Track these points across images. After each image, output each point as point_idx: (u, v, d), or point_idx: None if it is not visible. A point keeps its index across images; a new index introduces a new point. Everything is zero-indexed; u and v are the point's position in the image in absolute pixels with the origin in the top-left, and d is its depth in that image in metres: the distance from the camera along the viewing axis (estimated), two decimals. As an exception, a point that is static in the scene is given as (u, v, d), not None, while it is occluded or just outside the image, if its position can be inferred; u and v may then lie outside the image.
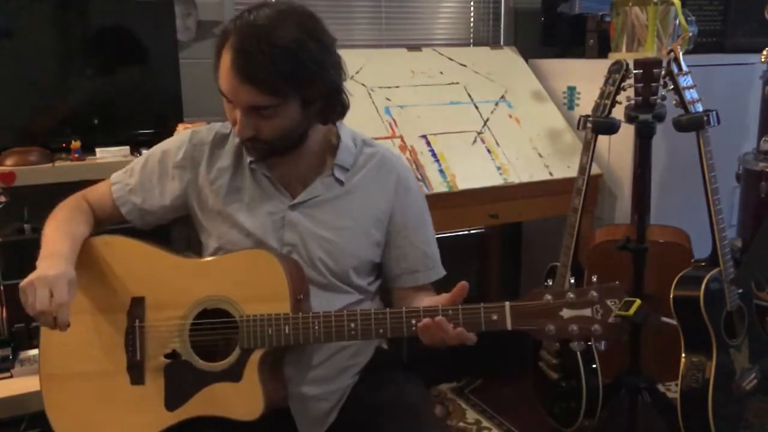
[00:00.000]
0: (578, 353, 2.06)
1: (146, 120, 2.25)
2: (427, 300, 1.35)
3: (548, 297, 1.18)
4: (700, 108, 1.91)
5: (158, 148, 1.46)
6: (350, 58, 2.48)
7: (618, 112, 2.02)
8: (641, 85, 1.96)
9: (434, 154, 2.34)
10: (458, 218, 2.33)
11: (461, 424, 2.41)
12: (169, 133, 2.09)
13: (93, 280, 1.34)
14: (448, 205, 2.23)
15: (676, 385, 1.97)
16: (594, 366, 2.07)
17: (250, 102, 1.23)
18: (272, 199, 1.38)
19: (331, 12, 2.78)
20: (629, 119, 2.01)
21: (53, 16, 2.12)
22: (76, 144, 2.04)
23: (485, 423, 2.42)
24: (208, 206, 1.40)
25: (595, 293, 1.16)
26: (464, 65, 2.70)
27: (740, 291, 1.96)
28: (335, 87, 1.30)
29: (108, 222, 1.47)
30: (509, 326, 1.19)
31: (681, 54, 1.90)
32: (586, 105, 2.45)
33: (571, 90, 2.72)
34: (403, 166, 1.47)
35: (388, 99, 2.45)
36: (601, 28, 2.69)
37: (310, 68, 1.23)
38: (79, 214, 1.41)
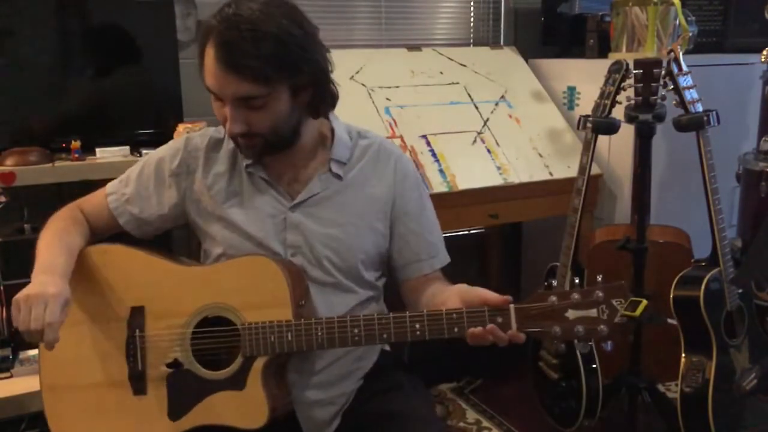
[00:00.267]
0: (578, 353, 2.06)
1: (146, 120, 2.25)
2: (454, 291, 1.31)
3: (553, 298, 1.16)
4: (700, 108, 1.91)
5: (153, 157, 1.43)
6: (350, 58, 2.53)
7: (618, 112, 2.01)
8: (641, 85, 1.96)
9: (434, 154, 2.34)
10: (458, 218, 2.33)
11: (461, 424, 2.41)
12: (169, 132, 2.09)
13: (92, 291, 1.33)
14: (448, 205, 2.23)
15: (676, 385, 1.97)
16: (594, 366, 2.07)
17: (237, 93, 1.21)
18: (271, 202, 1.36)
19: (331, 12, 2.78)
20: (629, 119, 2.01)
21: (53, 16, 2.12)
22: (76, 144, 2.04)
23: (485, 423, 2.42)
24: (207, 212, 1.38)
25: (600, 293, 1.15)
26: (464, 65, 2.70)
27: (740, 291, 1.96)
28: (323, 75, 1.28)
29: (104, 232, 1.45)
30: (514, 328, 1.17)
31: (681, 54, 1.90)
32: (586, 105, 2.45)
33: (571, 90, 2.72)
34: (400, 154, 1.45)
35: (388, 99, 2.45)
36: (601, 28, 2.69)
37: (295, 53, 1.21)
38: (74, 226, 1.39)
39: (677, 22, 2.50)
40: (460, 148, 2.40)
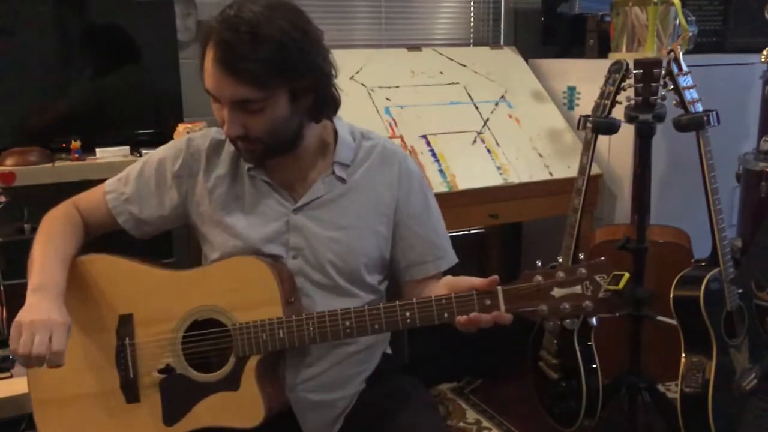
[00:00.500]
0: (578, 353, 2.06)
1: (146, 120, 2.25)
2: (444, 281, 1.31)
3: (539, 278, 1.18)
4: (700, 108, 1.91)
5: (154, 157, 1.41)
6: (350, 58, 2.53)
7: (618, 112, 2.01)
8: (641, 85, 1.96)
9: (434, 154, 2.34)
10: (458, 218, 2.33)
11: (461, 424, 2.41)
12: (169, 132, 2.09)
13: (79, 301, 1.31)
14: (448, 205, 2.21)
15: (676, 385, 1.97)
16: (594, 366, 2.07)
17: (235, 96, 1.19)
18: (274, 204, 1.35)
19: (331, 12, 2.78)
20: (629, 119, 2.01)
21: (53, 16, 2.12)
22: (76, 144, 2.04)
23: (485, 423, 2.42)
24: (208, 216, 1.37)
25: (583, 270, 1.17)
26: (464, 65, 2.70)
27: (740, 291, 1.96)
28: (324, 80, 1.26)
29: (100, 230, 1.42)
30: (503, 309, 1.18)
31: (681, 54, 1.90)
32: (586, 105, 2.45)
33: (571, 90, 2.73)
34: (404, 155, 1.44)
35: (388, 99, 2.45)
36: (601, 28, 2.70)
37: (295, 57, 1.19)
38: (70, 228, 1.37)
39: (677, 22, 2.50)
40: (460, 148, 2.40)
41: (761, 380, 1.95)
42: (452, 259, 1.43)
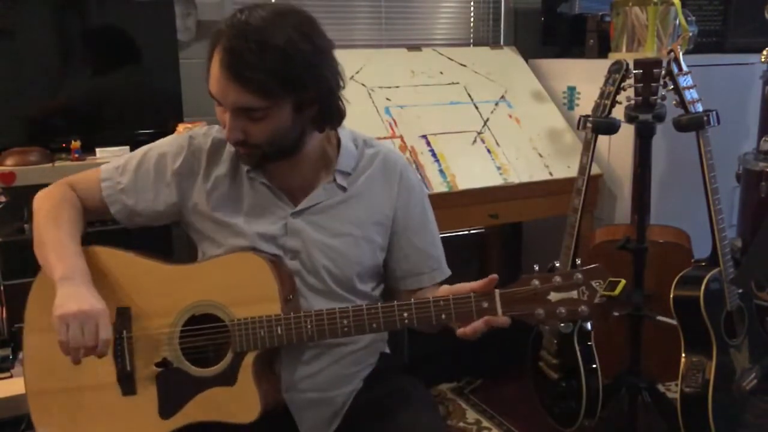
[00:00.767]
0: (578, 353, 2.06)
1: (146, 120, 2.25)
2: (443, 290, 1.31)
3: (536, 282, 1.19)
4: (700, 108, 1.91)
5: (155, 150, 1.39)
6: (350, 58, 2.53)
7: (618, 112, 2.02)
8: (641, 85, 1.96)
9: (434, 154, 2.34)
10: (458, 218, 2.33)
11: (461, 424, 2.41)
12: (169, 133, 2.08)
13: None
14: (448, 205, 2.23)
15: (676, 385, 1.97)
16: (594, 366, 2.07)
17: (238, 103, 1.19)
18: (273, 208, 1.35)
19: (331, 12, 2.79)
20: (629, 119, 2.01)
21: (53, 17, 2.12)
22: (76, 144, 2.04)
23: (485, 423, 2.42)
24: (206, 216, 1.37)
25: (580, 275, 1.18)
26: (464, 65, 2.70)
27: (740, 291, 1.96)
28: (329, 92, 1.26)
29: (89, 217, 1.40)
30: (500, 312, 1.19)
31: (681, 54, 1.90)
32: (586, 105, 2.45)
33: (571, 90, 2.73)
34: (406, 165, 1.44)
35: (388, 99, 2.45)
36: (601, 28, 2.70)
37: (302, 70, 1.19)
38: (76, 214, 1.36)
39: (677, 22, 2.50)
40: (460, 148, 2.40)
41: (761, 380, 1.96)
42: (446, 272, 1.45)
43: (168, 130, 2.12)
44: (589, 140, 2.03)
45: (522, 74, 2.78)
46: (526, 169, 2.42)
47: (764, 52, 2.21)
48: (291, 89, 1.20)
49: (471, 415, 2.46)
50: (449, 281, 1.42)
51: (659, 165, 2.39)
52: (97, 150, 2.09)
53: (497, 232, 3.08)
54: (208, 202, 1.36)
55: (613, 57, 2.54)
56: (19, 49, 2.05)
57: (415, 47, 2.73)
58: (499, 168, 2.38)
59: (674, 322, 1.96)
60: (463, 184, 2.29)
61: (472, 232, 3.10)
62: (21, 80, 2.07)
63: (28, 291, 1.35)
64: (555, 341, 2.11)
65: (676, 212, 2.43)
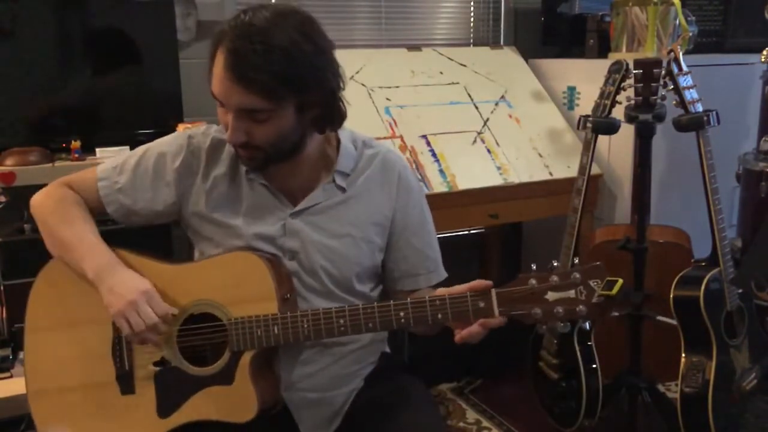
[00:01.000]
0: (578, 353, 2.06)
1: (146, 120, 2.25)
2: (441, 291, 1.31)
3: (533, 281, 1.19)
4: (700, 108, 1.91)
5: (153, 150, 1.38)
6: (350, 58, 2.53)
7: (618, 112, 2.01)
8: (641, 85, 1.96)
9: (434, 154, 2.34)
10: (458, 218, 2.33)
11: (461, 424, 2.41)
12: (169, 133, 2.08)
13: (76, 292, 1.32)
14: (448, 205, 2.23)
15: (676, 385, 1.97)
16: (594, 366, 2.07)
17: (242, 104, 1.19)
18: (272, 208, 1.35)
19: (331, 12, 2.79)
20: (629, 119, 2.01)
21: (53, 17, 2.12)
22: (76, 144, 2.04)
23: (485, 423, 2.42)
24: (205, 216, 1.36)
25: (577, 275, 1.17)
26: (464, 65, 2.70)
27: (740, 291, 1.96)
28: (332, 94, 1.26)
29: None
30: (496, 312, 1.19)
31: (681, 54, 1.90)
32: (586, 105, 2.45)
33: (571, 90, 2.73)
34: (405, 166, 1.44)
35: (388, 99, 2.45)
36: (601, 28, 2.70)
37: (305, 71, 1.19)
38: (85, 212, 1.36)
39: (677, 22, 2.50)
40: (460, 148, 2.40)
41: (761, 380, 1.95)
42: (442, 274, 1.45)
43: (168, 130, 2.11)
44: (589, 140, 2.03)
45: (522, 74, 2.78)
46: (526, 169, 2.42)
47: (764, 52, 2.21)
48: (295, 90, 1.20)
49: (471, 415, 2.46)
50: (448, 283, 1.42)
51: (659, 165, 2.39)
52: (97, 150, 2.09)
53: (497, 232, 3.08)
54: (206, 202, 1.36)
55: (613, 57, 2.54)
56: (19, 49, 2.05)
57: (415, 47, 2.73)
58: (499, 168, 2.39)
59: (674, 322, 1.96)
60: (463, 184, 2.29)
61: (472, 232, 3.10)
62: (21, 80, 2.07)
63: (28, 291, 1.35)
64: (555, 341, 2.11)
65: (676, 212, 2.43)
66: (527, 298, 1.19)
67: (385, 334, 1.49)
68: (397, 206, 1.40)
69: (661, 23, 2.49)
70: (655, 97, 1.95)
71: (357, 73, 2.47)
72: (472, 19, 3.10)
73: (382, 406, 1.36)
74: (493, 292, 1.19)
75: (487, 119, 2.54)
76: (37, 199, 1.38)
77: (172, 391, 1.30)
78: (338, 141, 1.38)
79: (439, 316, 1.21)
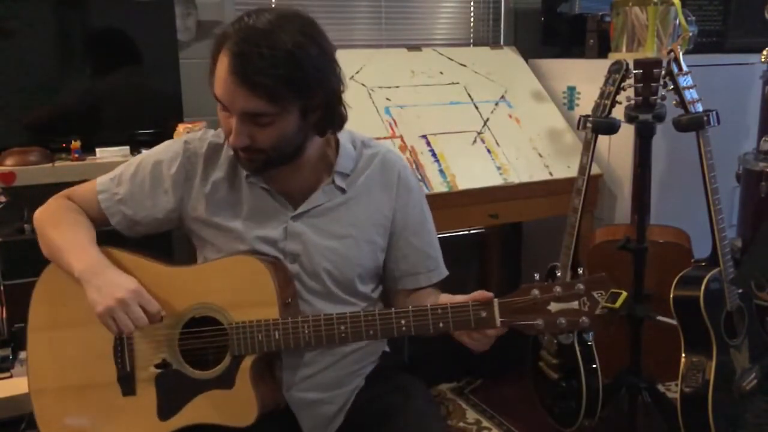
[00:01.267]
0: (578, 353, 2.06)
1: (146, 120, 2.25)
2: (443, 298, 1.32)
3: (536, 292, 1.18)
4: (700, 108, 1.91)
5: (149, 158, 1.38)
6: (350, 58, 2.53)
7: (618, 112, 2.01)
8: (641, 85, 1.96)
9: (434, 154, 2.34)
10: (458, 218, 2.33)
11: (461, 424, 2.41)
12: (169, 132, 2.09)
13: (78, 294, 1.31)
14: (448, 205, 2.23)
15: (676, 385, 1.97)
16: (594, 366, 2.07)
17: (246, 108, 1.19)
18: (273, 212, 1.35)
19: (330, 12, 2.78)
20: (629, 119, 2.01)
21: (53, 17, 2.12)
22: (76, 144, 2.04)
23: (485, 423, 2.42)
24: (205, 220, 1.36)
25: (581, 286, 1.16)
26: (464, 65, 2.70)
27: (740, 291, 1.96)
28: (335, 97, 1.26)
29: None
30: (498, 323, 1.18)
31: (681, 54, 1.90)
32: (586, 105, 2.45)
33: (571, 90, 2.73)
34: (404, 165, 1.44)
35: (388, 99, 2.45)
36: (601, 28, 2.70)
37: (310, 74, 1.19)
38: (82, 217, 1.37)
39: (677, 22, 2.50)
40: (460, 148, 2.40)
41: (761, 380, 1.95)
42: (443, 272, 1.45)
43: (168, 130, 2.12)
44: (589, 140, 2.03)
45: (522, 74, 2.78)
46: (526, 169, 2.42)
47: (764, 52, 2.21)
48: (300, 95, 1.20)
49: (471, 415, 2.46)
50: (448, 282, 1.42)
51: (659, 165, 2.39)
52: (97, 150, 2.08)
53: (497, 232, 3.08)
54: (206, 206, 1.36)
55: (613, 57, 2.54)
56: (19, 49, 2.05)
57: (415, 47, 2.73)
58: (499, 168, 2.39)
59: (674, 322, 1.96)
60: (463, 184, 2.29)
61: (472, 232, 3.10)
62: (21, 80, 2.07)
63: (29, 291, 1.35)
64: (555, 341, 2.11)
65: (676, 212, 2.43)
66: (530, 308, 1.18)
67: (386, 334, 1.49)
68: (397, 206, 1.40)
69: (661, 23, 2.49)
70: (655, 97, 1.95)
71: (357, 73, 2.47)
72: (472, 19, 3.09)
73: (383, 405, 1.36)
74: (496, 301, 1.19)
75: (487, 119, 2.54)
76: (37, 215, 1.39)
77: (172, 393, 1.30)
78: (337, 142, 1.38)
79: (441, 324, 1.21)
